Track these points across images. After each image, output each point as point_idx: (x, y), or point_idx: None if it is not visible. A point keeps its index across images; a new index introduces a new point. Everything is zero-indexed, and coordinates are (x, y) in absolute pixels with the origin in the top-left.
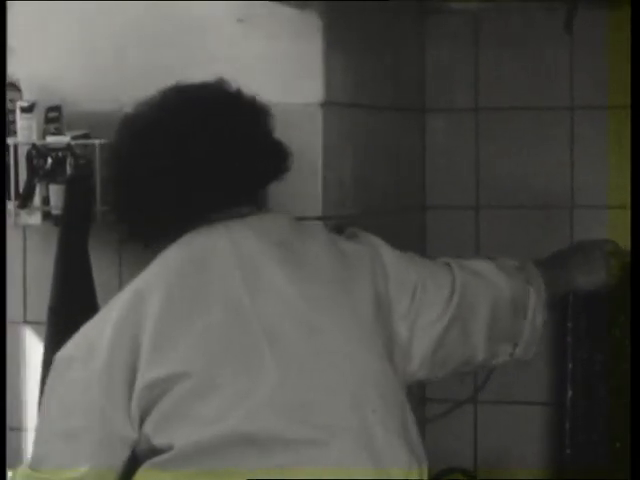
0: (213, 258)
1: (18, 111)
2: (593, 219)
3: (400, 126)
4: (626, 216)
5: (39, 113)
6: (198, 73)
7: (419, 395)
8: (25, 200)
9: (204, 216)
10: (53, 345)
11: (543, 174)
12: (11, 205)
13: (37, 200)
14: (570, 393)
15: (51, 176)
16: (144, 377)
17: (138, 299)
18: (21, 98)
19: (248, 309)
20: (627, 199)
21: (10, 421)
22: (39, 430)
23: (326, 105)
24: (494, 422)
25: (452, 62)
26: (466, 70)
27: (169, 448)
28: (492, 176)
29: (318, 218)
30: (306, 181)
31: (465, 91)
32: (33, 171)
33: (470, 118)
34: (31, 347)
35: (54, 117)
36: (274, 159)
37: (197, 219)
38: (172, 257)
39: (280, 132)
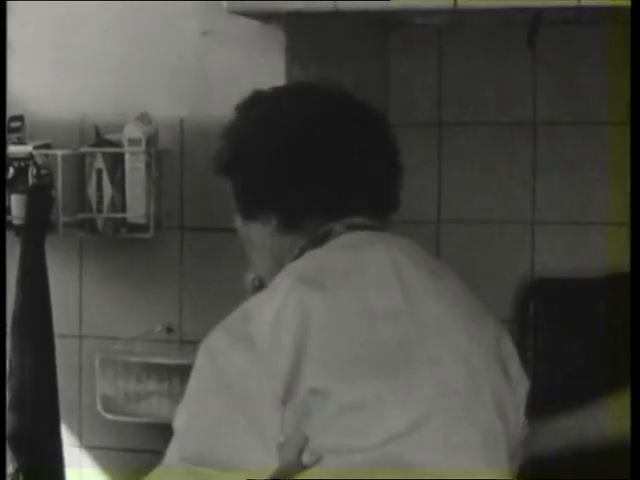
0: (374, 269)
1: None
2: (556, 235)
3: None
4: (619, 234)
5: None
6: (161, 84)
7: None
8: None
9: (343, 217)
10: (18, 357)
11: (505, 189)
12: None
13: None
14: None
15: (13, 186)
16: (306, 383)
17: (301, 295)
18: None
19: (410, 332)
20: (625, 216)
21: None
22: (198, 424)
23: None
24: None
25: (415, 76)
26: (429, 84)
27: (318, 460)
28: (454, 191)
29: None
30: None
31: (428, 106)
32: None
33: (433, 133)
34: None
35: (16, 127)
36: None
37: (339, 218)
38: (333, 258)
39: None
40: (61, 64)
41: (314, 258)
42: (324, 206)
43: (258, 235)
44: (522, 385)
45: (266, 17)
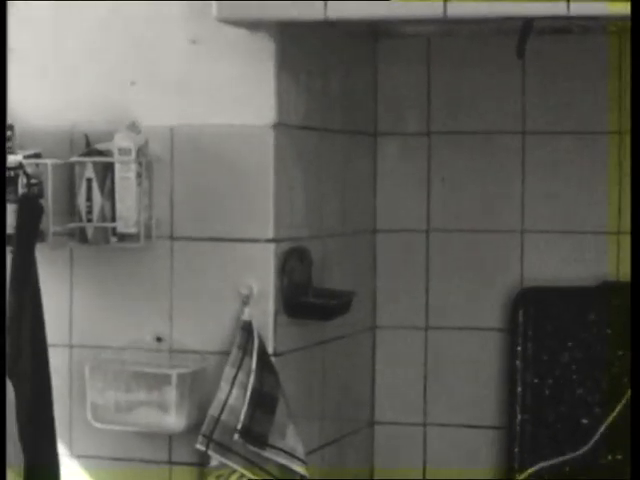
0: None
1: None
2: (545, 244)
3: (351, 149)
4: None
5: None
6: (151, 93)
7: (368, 418)
8: None
9: None
10: (11, 365)
11: (493, 197)
12: None
13: None
14: (519, 417)
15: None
16: None
17: None
18: None
19: None
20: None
21: None
22: None
23: (278, 127)
24: (444, 445)
25: (404, 86)
26: (418, 94)
27: None
28: (443, 200)
29: (269, 240)
30: (258, 203)
31: (416, 115)
32: None
33: (421, 142)
34: None
35: (6, 136)
36: None
37: None
38: None
39: (232, 153)
40: (50, 73)
41: None
42: None
43: None
44: None
45: (255, 26)
